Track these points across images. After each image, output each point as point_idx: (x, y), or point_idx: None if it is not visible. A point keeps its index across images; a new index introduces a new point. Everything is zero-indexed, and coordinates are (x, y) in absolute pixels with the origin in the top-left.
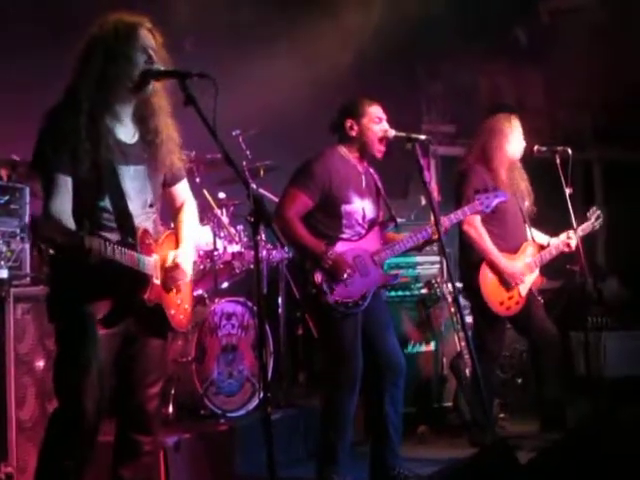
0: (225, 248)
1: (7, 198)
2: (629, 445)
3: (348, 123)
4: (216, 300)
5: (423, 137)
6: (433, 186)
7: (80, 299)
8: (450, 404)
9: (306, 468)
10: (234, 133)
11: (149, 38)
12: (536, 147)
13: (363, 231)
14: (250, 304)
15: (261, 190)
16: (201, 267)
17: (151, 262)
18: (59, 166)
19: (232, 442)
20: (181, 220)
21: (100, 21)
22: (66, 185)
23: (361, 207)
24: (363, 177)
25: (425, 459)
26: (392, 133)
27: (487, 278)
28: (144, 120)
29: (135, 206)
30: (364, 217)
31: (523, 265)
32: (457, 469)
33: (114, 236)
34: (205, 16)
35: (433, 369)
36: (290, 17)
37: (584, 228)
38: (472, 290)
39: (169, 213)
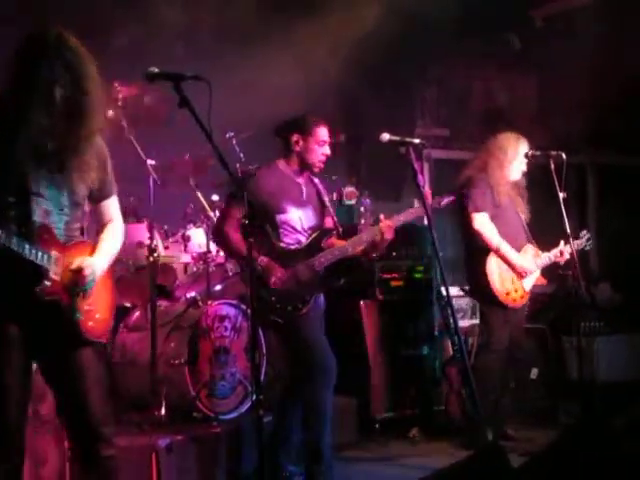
0: (218, 250)
1: None
2: (621, 449)
3: (294, 138)
4: (209, 302)
5: (417, 141)
6: (427, 190)
7: None
8: (442, 407)
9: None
10: (228, 135)
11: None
12: (530, 152)
13: (304, 238)
14: (243, 306)
15: None
16: (194, 269)
17: (48, 257)
18: None
19: (224, 444)
20: (101, 237)
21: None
22: None
23: (297, 216)
24: (303, 188)
25: (417, 462)
26: (386, 137)
27: (494, 270)
28: (69, 130)
29: (47, 207)
30: (303, 225)
31: (528, 262)
32: (449, 472)
33: (14, 228)
34: (198, 18)
35: (426, 373)
36: (283, 20)
37: (578, 243)
38: (480, 284)
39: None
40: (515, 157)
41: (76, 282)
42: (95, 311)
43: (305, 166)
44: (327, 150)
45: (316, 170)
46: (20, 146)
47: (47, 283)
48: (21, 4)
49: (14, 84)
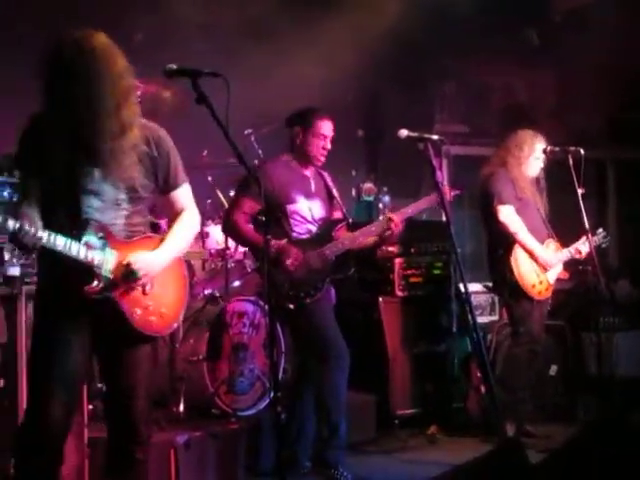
0: (236, 247)
1: (19, 196)
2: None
3: (296, 130)
4: (228, 299)
5: (435, 137)
6: (445, 186)
7: (46, 299)
8: (461, 404)
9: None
10: (246, 132)
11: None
12: (549, 147)
13: (314, 228)
14: (261, 303)
15: None
16: (212, 266)
17: (101, 256)
18: (30, 169)
19: (242, 441)
20: (171, 228)
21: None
22: (35, 186)
23: (307, 206)
24: (312, 181)
25: (436, 459)
26: (404, 133)
27: (520, 263)
28: (105, 128)
29: (100, 203)
30: (313, 215)
31: (550, 255)
32: (468, 469)
33: (66, 229)
34: (217, 13)
35: (445, 369)
36: (302, 14)
37: (594, 240)
38: (505, 278)
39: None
40: (532, 154)
41: (126, 277)
42: (159, 306)
43: (306, 159)
44: (327, 144)
45: (317, 163)
46: (63, 148)
47: (95, 283)
48: (37, 4)
49: (48, 99)
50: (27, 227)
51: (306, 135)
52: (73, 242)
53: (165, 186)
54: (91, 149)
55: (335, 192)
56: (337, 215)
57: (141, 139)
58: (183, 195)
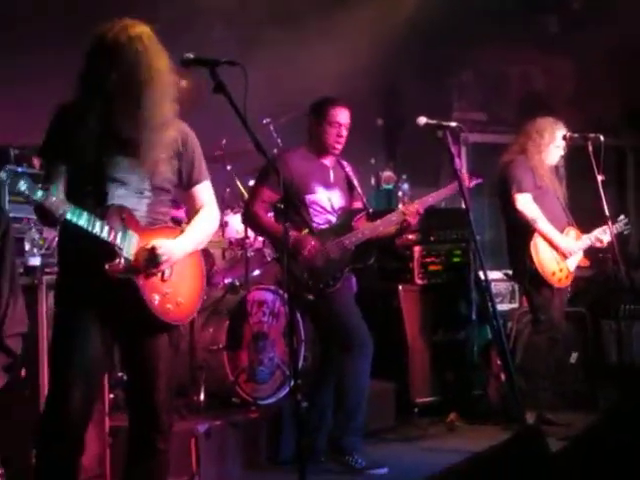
0: (256, 236)
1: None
2: None
3: (311, 121)
4: (247, 288)
5: (453, 124)
6: (464, 174)
7: (67, 285)
8: (481, 392)
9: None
10: (265, 121)
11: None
12: (568, 134)
13: (334, 218)
14: (280, 292)
15: None
16: (232, 255)
17: (122, 235)
18: (57, 155)
19: (263, 429)
20: (191, 223)
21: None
22: (61, 172)
23: (326, 197)
24: (331, 170)
25: (455, 446)
26: (423, 121)
27: (539, 251)
28: (139, 120)
29: (125, 191)
30: (332, 205)
31: (570, 243)
32: (487, 456)
33: (90, 209)
34: (236, 1)
35: (464, 357)
36: (321, 4)
37: (616, 227)
38: (525, 266)
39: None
40: (552, 141)
41: (149, 261)
42: (176, 294)
43: (323, 148)
44: (343, 132)
45: (335, 152)
46: (93, 135)
47: (117, 261)
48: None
49: (83, 87)
50: (53, 198)
51: (321, 124)
52: (97, 219)
53: (188, 181)
54: (123, 139)
55: (355, 182)
56: (357, 205)
57: (173, 137)
58: (204, 191)
